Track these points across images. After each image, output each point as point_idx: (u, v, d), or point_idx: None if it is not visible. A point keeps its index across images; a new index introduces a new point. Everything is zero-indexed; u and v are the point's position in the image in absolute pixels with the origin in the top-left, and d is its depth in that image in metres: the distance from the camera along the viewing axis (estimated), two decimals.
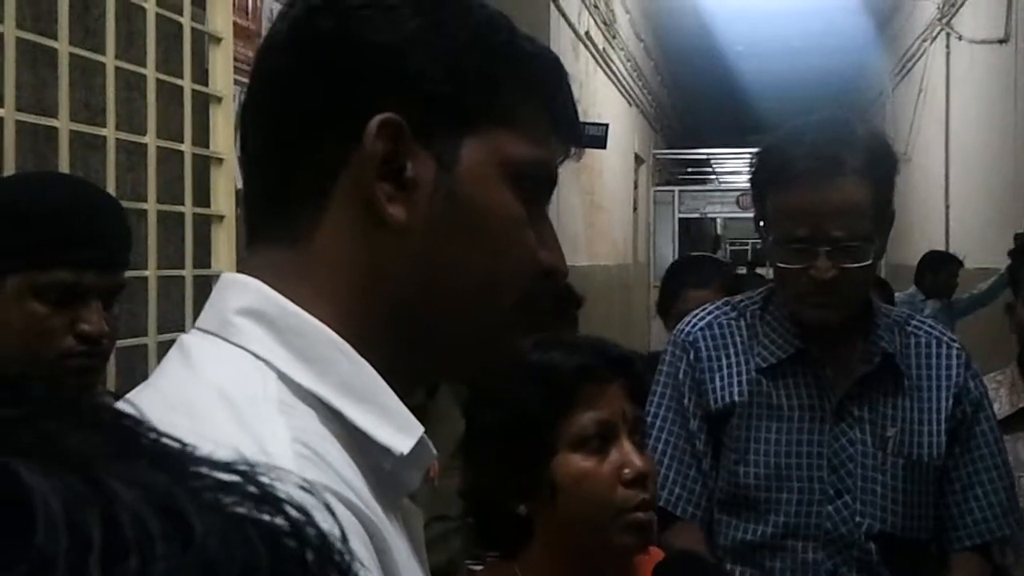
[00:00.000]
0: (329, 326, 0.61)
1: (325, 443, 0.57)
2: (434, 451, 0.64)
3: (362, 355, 0.61)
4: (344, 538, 0.28)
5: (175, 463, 0.27)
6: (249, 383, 0.58)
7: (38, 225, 1.24)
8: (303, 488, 0.29)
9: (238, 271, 0.65)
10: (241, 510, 0.26)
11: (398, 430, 0.61)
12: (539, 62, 0.67)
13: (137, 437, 0.28)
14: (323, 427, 0.58)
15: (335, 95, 0.62)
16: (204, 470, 0.27)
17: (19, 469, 0.23)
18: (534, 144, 0.65)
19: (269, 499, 0.27)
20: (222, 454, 0.33)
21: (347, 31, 0.62)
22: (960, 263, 5.57)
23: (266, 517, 0.26)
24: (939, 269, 5.49)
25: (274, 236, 0.64)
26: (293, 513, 0.27)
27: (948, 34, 7.26)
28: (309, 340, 0.60)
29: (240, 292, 0.62)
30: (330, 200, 0.62)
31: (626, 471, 1.14)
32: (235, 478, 0.27)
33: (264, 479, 0.28)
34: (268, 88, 0.65)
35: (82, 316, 1.24)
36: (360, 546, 0.54)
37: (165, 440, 0.28)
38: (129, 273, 2.25)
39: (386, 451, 0.60)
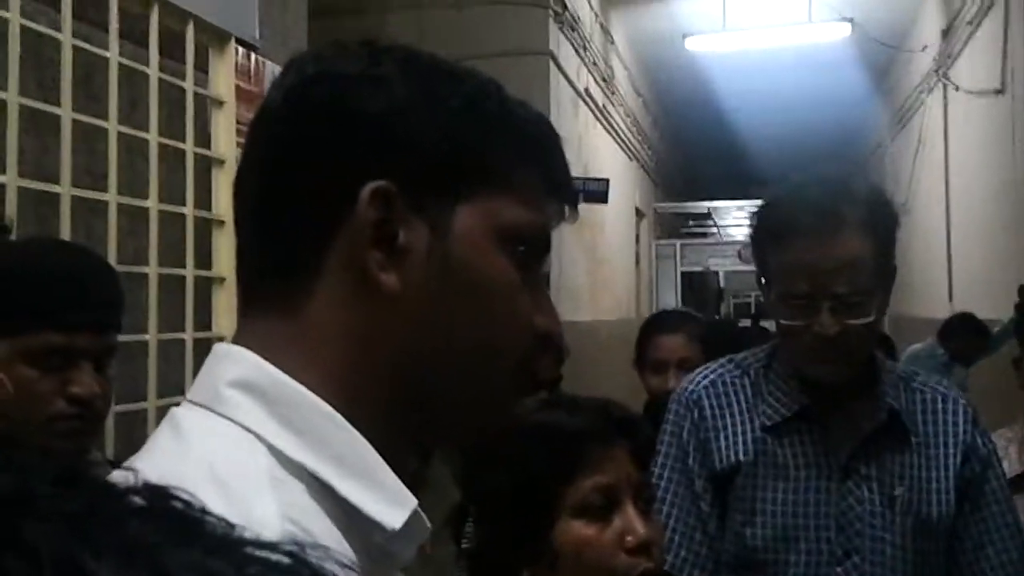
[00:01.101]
0: (322, 397, 0.60)
1: (315, 519, 0.56)
2: (428, 524, 0.62)
3: (356, 426, 0.60)
4: None
5: (229, 548, 0.28)
6: (239, 457, 0.57)
7: (27, 289, 1.24)
8: (346, 565, 0.30)
9: (232, 342, 0.64)
10: None
11: (391, 504, 0.60)
12: (531, 126, 0.67)
13: (188, 519, 0.28)
14: (313, 502, 0.57)
15: (328, 164, 0.62)
16: (256, 552, 0.28)
17: (95, 570, 0.23)
18: (528, 208, 0.65)
19: None
20: (268, 534, 0.35)
21: (340, 101, 0.63)
22: (988, 333, 5.27)
23: None
24: (972, 336, 5.20)
25: (268, 306, 0.63)
26: None
27: (945, 85, 7.33)
28: (301, 412, 0.59)
29: (232, 363, 0.62)
30: (323, 269, 0.62)
31: (629, 538, 1.12)
32: (284, 559, 0.28)
33: (311, 558, 0.28)
34: (262, 156, 0.65)
35: (73, 379, 1.24)
36: None
37: (213, 520, 0.29)
38: (129, 337, 2.25)
39: (378, 525, 0.59)
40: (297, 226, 0.62)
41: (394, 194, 0.61)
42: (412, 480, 0.62)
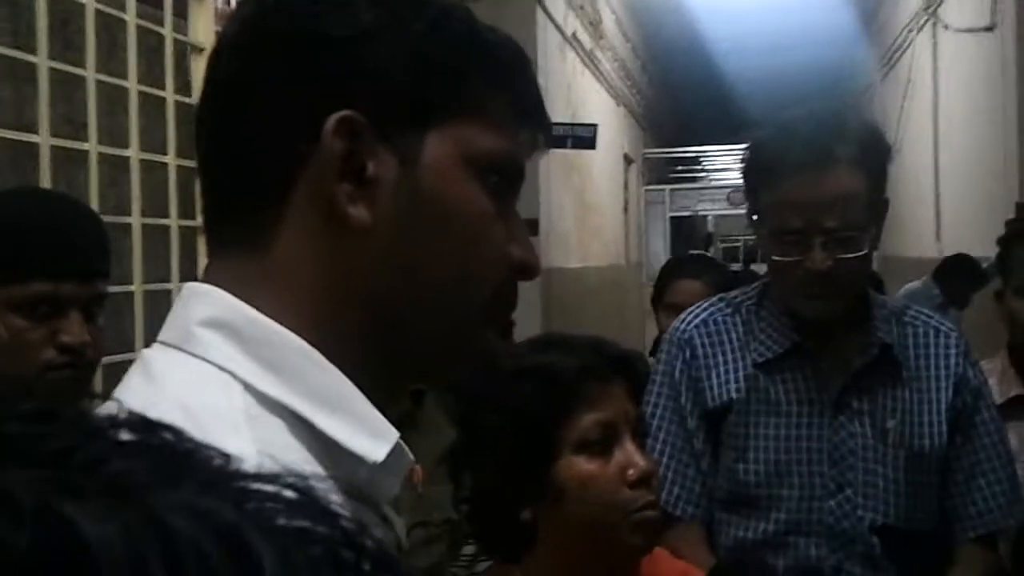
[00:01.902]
0: (296, 333, 0.59)
1: (294, 455, 0.55)
2: (411, 457, 0.62)
3: (332, 361, 0.59)
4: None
5: (226, 483, 0.26)
6: (213, 396, 0.56)
7: (13, 239, 1.23)
8: (353, 496, 0.28)
9: (202, 280, 0.62)
10: (298, 525, 0.25)
11: (372, 437, 0.59)
12: (501, 52, 0.65)
13: (180, 454, 0.27)
14: (292, 438, 0.56)
15: (290, 95, 0.60)
16: (255, 486, 0.26)
17: (76, 518, 0.22)
18: (500, 136, 0.64)
19: (323, 512, 0.26)
20: (269, 466, 0.33)
21: (300, 28, 0.60)
22: (985, 277, 5.25)
23: (322, 529, 0.25)
24: (966, 276, 5.21)
25: (235, 244, 0.62)
26: (348, 524, 0.26)
27: (934, 24, 7.26)
28: (275, 349, 0.58)
29: (203, 302, 0.60)
30: (290, 203, 0.60)
31: (631, 472, 1.13)
32: (289, 492, 0.26)
33: (315, 491, 0.27)
34: (220, 91, 0.63)
35: (62, 327, 1.23)
36: None
37: (208, 454, 0.27)
38: (115, 288, 2.23)
39: (360, 459, 0.58)
40: (261, 161, 0.61)
41: (361, 124, 0.59)
42: (404, 421, 0.62)
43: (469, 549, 1.57)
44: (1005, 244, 1.79)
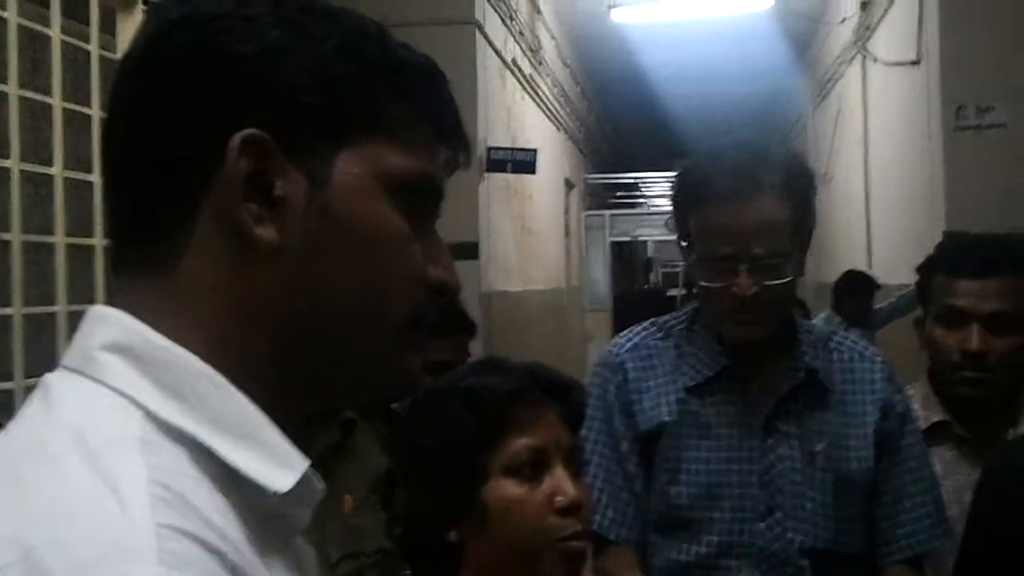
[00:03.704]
0: (202, 358, 0.57)
1: (191, 484, 0.53)
2: (321, 487, 0.60)
3: (240, 387, 0.57)
4: None
5: None
6: (109, 422, 0.54)
7: None
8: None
9: (106, 304, 0.61)
10: None
11: (278, 467, 0.57)
12: (414, 69, 0.64)
13: None
14: (192, 467, 0.54)
15: (194, 112, 0.58)
16: None
17: None
18: (414, 155, 0.62)
19: None
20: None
21: (205, 43, 0.59)
22: (878, 286, 5.57)
23: None
24: (857, 291, 5.43)
25: (141, 266, 0.60)
26: None
27: (864, 57, 7.47)
28: (178, 374, 0.56)
29: (105, 326, 0.58)
30: (196, 224, 0.59)
31: (559, 499, 1.12)
32: None
33: None
34: (125, 109, 0.61)
35: None
36: None
37: None
38: (39, 309, 2.17)
39: (264, 490, 0.56)
40: (166, 181, 0.59)
41: (267, 142, 0.58)
42: (334, 451, 0.60)
43: None
44: (924, 272, 1.83)
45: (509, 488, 1.12)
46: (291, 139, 0.59)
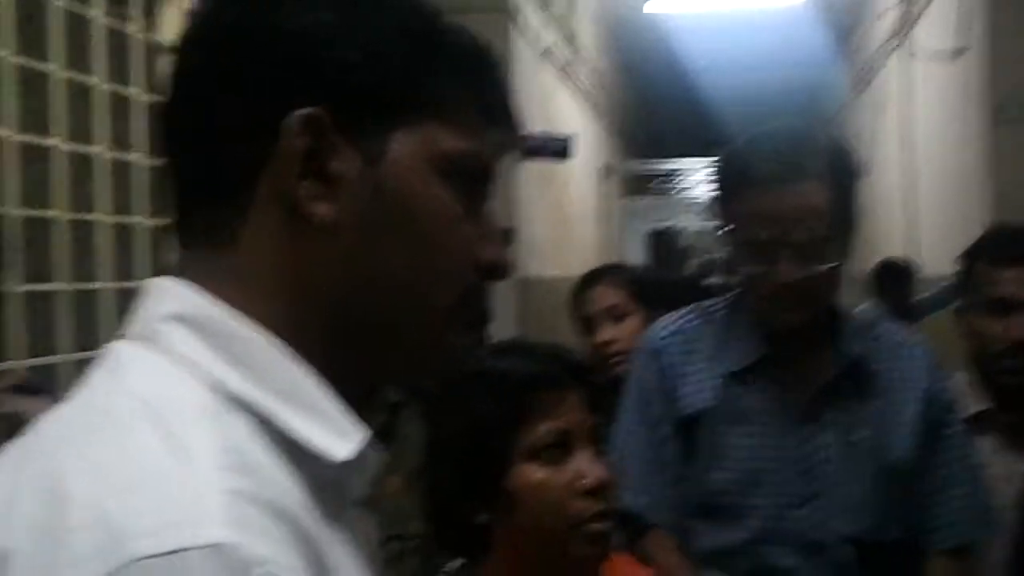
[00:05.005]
0: (261, 330, 0.58)
1: (257, 451, 0.54)
2: (379, 458, 0.61)
3: (299, 360, 0.58)
4: None
5: None
6: (177, 391, 0.55)
7: None
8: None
9: (169, 276, 0.61)
10: None
11: (338, 436, 0.58)
12: (466, 51, 0.64)
13: None
14: (256, 434, 0.55)
15: (251, 91, 0.59)
16: None
17: None
18: (466, 136, 0.63)
19: None
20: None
21: (261, 22, 0.59)
22: (916, 272, 5.54)
23: None
24: (895, 279, 5.40)
25: (201, 239, 0.61)
26: None
27: (905, 48, 7.35)
28: (241, 345, 0.57)
29: (168, 297, 0.59)
30: (254, 200, 0.59)
31: (584, 481, 1.12)
32: None
33: None
34: (183, 87, 0.62)
35: None
36: (292, 557, 0.51)
37: None
38: (82, 286, 2.20)
39: (324, 458, 0.57)
40: (224, 157, 0.60)
41: (324, 121, 0.58)
42: (381, 433, 0.61)
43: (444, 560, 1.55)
44: (966, 261, 1.81)
45: (534, 472, 1.12)
46: (346, 118, 0.59)
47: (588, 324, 2.28)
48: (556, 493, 1.12)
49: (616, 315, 2.22)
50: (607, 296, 2.25)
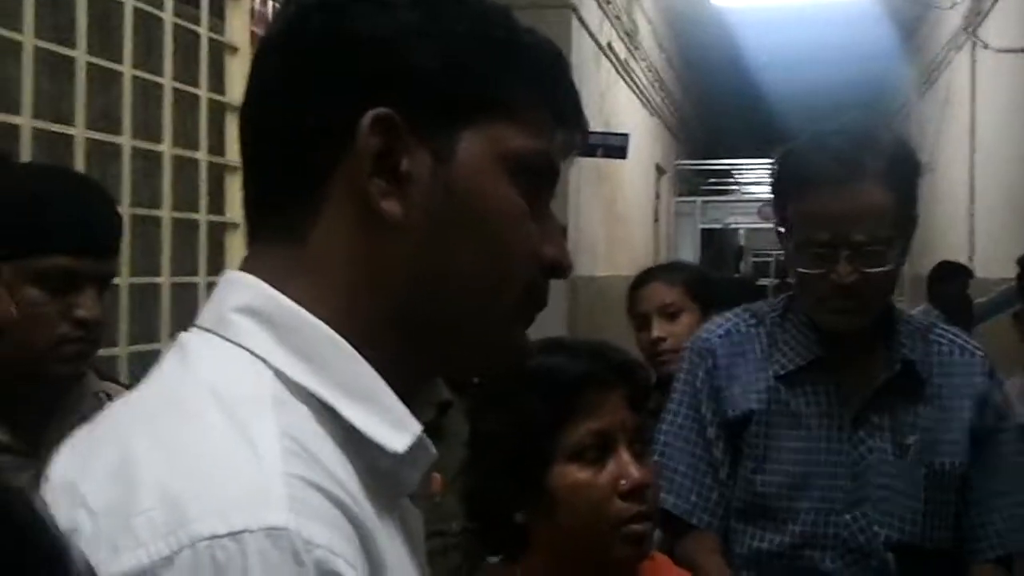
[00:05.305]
0: (328, 324, 0.60)
1: (317, 440, 0.57)
2: (434, 451, 0.63)
3: (361, 353, 0.60)
4: None
5: None
6: (243, 380, 0.58)
7: (35, 212, 1.24)
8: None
9: (240, 269, 0.64)
10: None
11: (395, 429, 0.60)
12: (539, 53, 0.66)
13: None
14: (317, 424, 0.58)
15: (328, 92, 0.61)
16: None
17: None
18: (534, 136, 0.64)
19: None
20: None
21: (340, 26, 0.62)
22: (971, 274, 5.44)
23: None
24: (950, 280, 5.35)
25: (273, 235, 0.63)
26: None
27: (973, 43, 7.19)
28: (306, 338, 0.60)
29: (239, 290, 0.62)
30: (327, 198, 0.62)
31: (623, 482, 1.12)
32: None
33: None
34: (263, 88, 0.65)
35: (78, 302, 1.25)
36: (346, 543, 0.53)
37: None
38: (143, 279, 2.26)
39: (381, 449, 0.59)
40: (299, 155, 0.62)
41: (396, 121, 0.60)
42: (430, 431, 0.62)
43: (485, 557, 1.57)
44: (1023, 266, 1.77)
45: (574, 473, 1.12)
46: (418, 118, 0.61)
47: (642, 321, 2.29)
48: (595, 494, 1.12)
49: (670, 312, 2.24)
50: (662, 293, 2.26)
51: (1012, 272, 5.11)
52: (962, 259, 6.40)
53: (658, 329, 2.23)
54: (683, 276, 2.34)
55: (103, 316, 1.27)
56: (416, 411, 0.63)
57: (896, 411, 1.49)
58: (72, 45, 2.10)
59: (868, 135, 1.48)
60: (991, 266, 5.87)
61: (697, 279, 2.33)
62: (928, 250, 8.05)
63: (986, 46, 6.77)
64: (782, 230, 1.52)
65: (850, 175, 1.41)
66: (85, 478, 0.55)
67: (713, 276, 2.94)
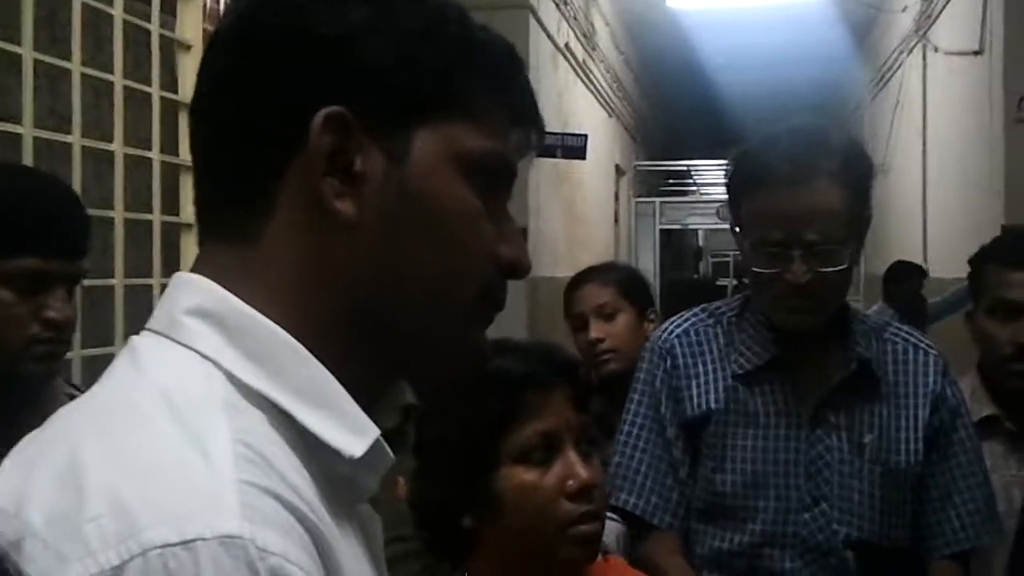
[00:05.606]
0: (281, 326, 0.59)
1: (271, 445, 0.55)
2: (391, 455, 0.61)
3: (317, 356, 0.59)
4: None
5: None
6: (195, 384, 0.56)
7: (5, 214, 1.24)
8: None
9: (191, 271, 0.63)
10: None
11: (351, 432, 0.59)
12: (493, 51, 0.65)
13: None
14: (271, 429, 0.56)
15: (279, 90, 0.60)
16: None
17: None
18: (490, 136, 0.64)
19: None
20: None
21: (292, 23, 0.60)
22: (926, 274, 5.56)
23: None
24: (905, 279, 5.47)
25: (224, 235, 0.62)
26: None
27: (924, 46, 7.31)
28: (260, 340, 0.58)
29: (190, 291, 0.61)
30: (279, 197, 0.60)
31: (570, 483, 1.12)
32: None
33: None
34: (213, 85, 0.63)
35: (48, 303, 1.25)
36: (302, 551, 0.52)
37: None
38: (96, 281, 2.22)
39: (338, 453, 0.58)
40: (250, 155, 0.61)
41: (349, 120, 0.59)
42: (393, 436, 0.61)
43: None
44: (976, 263, 1.80)
45: (520, 474, 1.12)
46: (371, 117, 0.60)
47: (580, 322, 2.31)
48: (544, 496, 1.11)
49: (607, 313, 2.25)
50: (596, 294, 2.28)
51: (965, 272, 5.21)
52: (916, 259, 6.51)
53: (595, 330, 2.24)
54: (616, 276, 2.35)
55: (73, 316, 1.28)
56: (378, 415, 0.61)
57: (852, 410, 1.51)
58: (18, 42, 2.06)
59: (821, 135, 1.49)
60: (945, 266, 5.97)
61: (630, 279, 2.35)
62: (883, 250, 8.17)
63: (936, 49, 6.89)
64: (737, 230, 1.53)
65: (803, 175, 1.42)
66: (31, 482, 0.53)
67: (673, 277, 2.95)
